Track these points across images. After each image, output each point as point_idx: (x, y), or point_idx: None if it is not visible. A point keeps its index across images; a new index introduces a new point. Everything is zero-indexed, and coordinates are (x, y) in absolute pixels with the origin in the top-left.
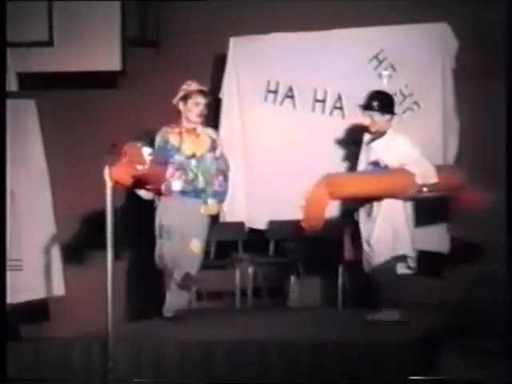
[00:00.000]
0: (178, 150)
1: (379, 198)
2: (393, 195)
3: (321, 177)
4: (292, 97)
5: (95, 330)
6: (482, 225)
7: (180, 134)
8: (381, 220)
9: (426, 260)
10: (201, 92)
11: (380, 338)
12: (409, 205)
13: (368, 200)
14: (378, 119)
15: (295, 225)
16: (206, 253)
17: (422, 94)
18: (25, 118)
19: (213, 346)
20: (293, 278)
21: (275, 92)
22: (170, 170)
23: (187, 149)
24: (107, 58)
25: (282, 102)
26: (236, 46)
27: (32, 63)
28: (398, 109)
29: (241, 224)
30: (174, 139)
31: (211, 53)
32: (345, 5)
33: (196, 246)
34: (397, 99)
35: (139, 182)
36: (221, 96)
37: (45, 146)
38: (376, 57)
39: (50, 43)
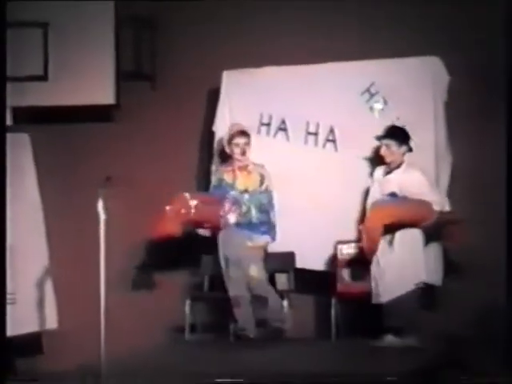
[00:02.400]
0: (232, 186)
1: (402, 227)
2: (418, 223)
3: (372, 204)
4: (285, 129)
5: (89, 363)
6: (478, 257)
7: (233, 171)
8: (403, 248)
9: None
10: (241, 133)
11: (375, 368)
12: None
13: (396, 228)
14: (394, 150)
15: (289, 256)
16: (200, 285)
17: (413, 126)
18: (19, 152)
19: (203, 377)
20: (286, 309)
21: (268, 125)
22: (226, 206)
23: (240, 185)
24: (101, 91)
25: (275, 135)
26: (229, 79)
27: (26, 97)
28: None
29: None
30: (227, 177)
31: (205, 86)
32: (337, 38)
33: (254, 270)
34: None
35: (196, 224)
36: (214, 129)
37: (38, 179)
38: (368, 90)
39: (44, 77)
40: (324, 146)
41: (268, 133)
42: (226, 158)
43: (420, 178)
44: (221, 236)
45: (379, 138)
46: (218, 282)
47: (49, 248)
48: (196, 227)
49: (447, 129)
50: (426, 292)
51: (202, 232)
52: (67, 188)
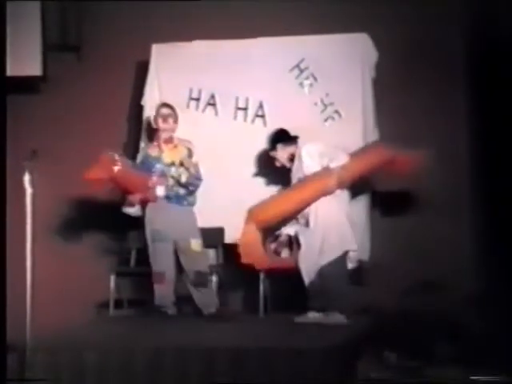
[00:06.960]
0: (159, 159)
1: (309, 206)
2: (320, 196)
3: (246, 212)
4: (214, 104)
5: (13, 340)
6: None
7: (158, 145)
8: (321, 226)
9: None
10: (164, 104)
11: (299, 344)
12: (346, 201)
13: (297, 213)
14: (284, 155)
15: (218, 232)
16: (126, 260)
17: (342, 103)
18: None
19: (134, 353)
20: (214, 286)
21: (197, 99)
22: (153, 178)
23: (166, 157)
24: (28, 63)
25: (204, 110)
26: (158, 52)
27: None
28: (319, 117)
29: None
30: (153, 152)
31: (134, 59)
32: (267, 14)
33: (196, 244)
34: (318, 108)
35: (126, 190)
36: (143, 103)
37: None
38: (297, 66)
39: None
40: (253, 121)
41: (197, 108)
42: (152, 136)
43: (309, 152)
44: (148, 210)
45: (270, 150)
46: (144, 256)
47: None
48: (124, 193)
49: (375, 105)
50: (352, 268)
51: (133, 211)
52: None
